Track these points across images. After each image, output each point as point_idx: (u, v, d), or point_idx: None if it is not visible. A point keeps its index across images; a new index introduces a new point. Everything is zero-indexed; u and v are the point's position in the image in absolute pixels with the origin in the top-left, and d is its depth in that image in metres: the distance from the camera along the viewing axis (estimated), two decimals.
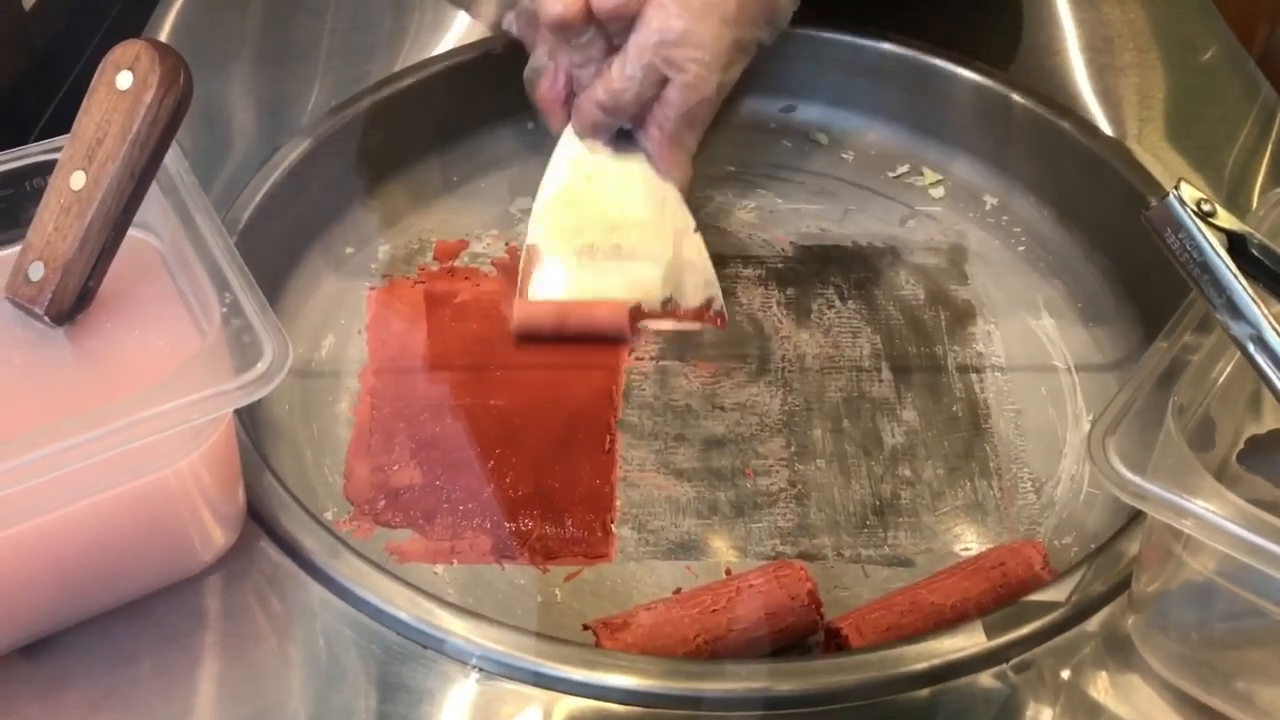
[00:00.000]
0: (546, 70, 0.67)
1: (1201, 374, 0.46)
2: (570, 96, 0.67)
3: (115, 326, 0.48)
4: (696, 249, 0.67)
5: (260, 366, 0.42)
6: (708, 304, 0.67)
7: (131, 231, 0.48)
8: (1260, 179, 0.70)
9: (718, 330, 0.67)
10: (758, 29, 0.64)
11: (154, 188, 0.48)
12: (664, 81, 0.63)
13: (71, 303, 0.47)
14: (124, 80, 0.47)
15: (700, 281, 0.67)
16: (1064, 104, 0.73)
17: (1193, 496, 0.40)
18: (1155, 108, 0.74)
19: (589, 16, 0.62)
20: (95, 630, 0.47)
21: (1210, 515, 0.39)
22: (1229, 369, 0.47)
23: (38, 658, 0.46)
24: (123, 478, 0.43)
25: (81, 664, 0.46)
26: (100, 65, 0.47)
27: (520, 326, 0.65)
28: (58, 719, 0.45)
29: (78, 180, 0.47)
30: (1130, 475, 0.41)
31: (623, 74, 0.63)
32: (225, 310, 0.44)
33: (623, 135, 0.67)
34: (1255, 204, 0.68)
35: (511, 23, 0.69)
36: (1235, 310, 0.43)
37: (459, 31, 0.78)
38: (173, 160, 0.49)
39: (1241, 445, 0.49)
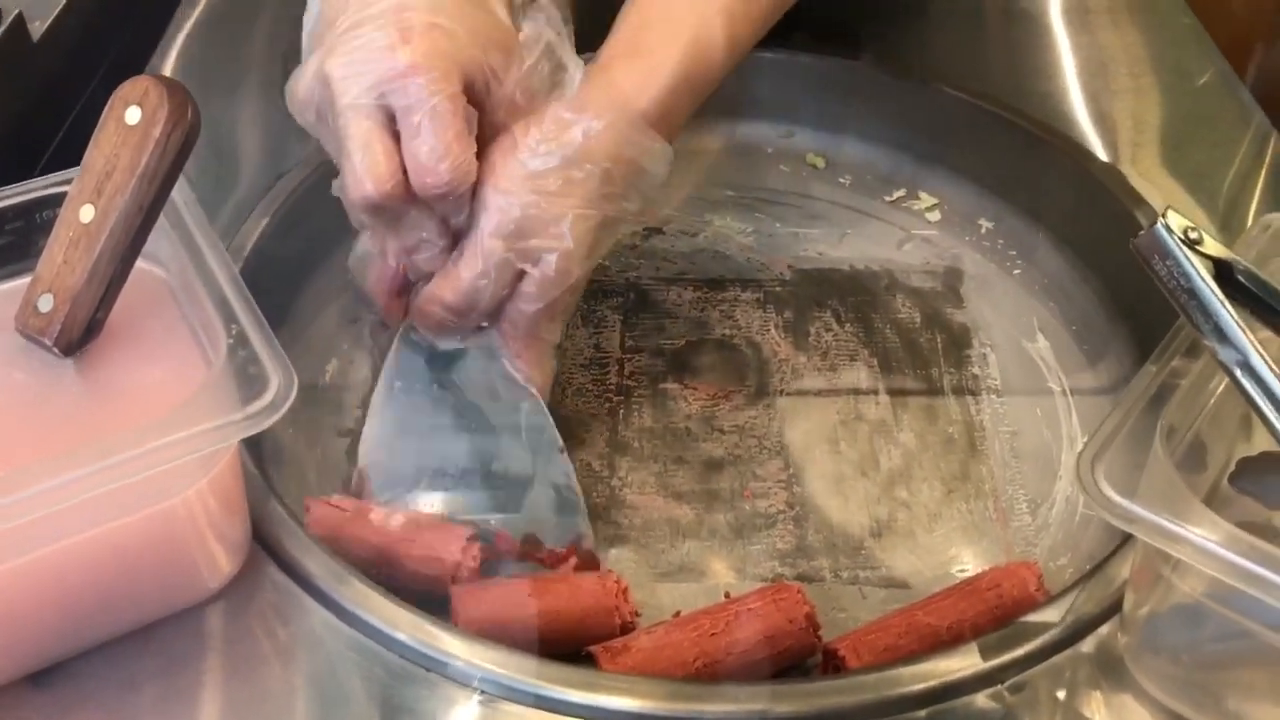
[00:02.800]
0: (373, 258, 0.56)
1: (1192, 396, 0.47)
2: (406, 286, 0.57)
3: (123, 357, 0.49)
4: (563, 473, 0.56)
5: (266, 397, 0.43)
6: (576, 543, 0.56)
7: (139, 263, 0.49)
8: (1254, 204, 0.70)
9: (716, 354, 0.68)
10: (627, 201, 0.55)
11: (161, 220, 0.49)
12: (521, 274, 0.54)
13: (80, 333, 0.48)
14: (133, 116, 0.48)
15: (567, 513, 0.56)
16: (1059, 128, 0.74)
17: (1181, 520, 0.40)
18: (1149, 132, 0.75)
19: (408, 195, 0.51)
20: (103, 657, 0.48)
21: (1198, 539, 0.40)
22: (1220, 391, 0.48)
23: (46, 685, 0.47)
24: (131, 507, 0.44)
25: (90, 690, 0.47)
26: (110, 101, 0.48)
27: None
28: None
29: (87, 213, 0.48)
30: (1118, 499, 0.41)
31: (473, 272, 0.53)
32: (231, 341, 0.44)
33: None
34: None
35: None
36: (1222, 336, 0.44)
37: None
38: (180, 192, 0.50)
39: (1233, 467, 0.50)
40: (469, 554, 0.53)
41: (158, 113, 0.47)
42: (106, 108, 0.48)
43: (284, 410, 0.43)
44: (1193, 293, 0.44)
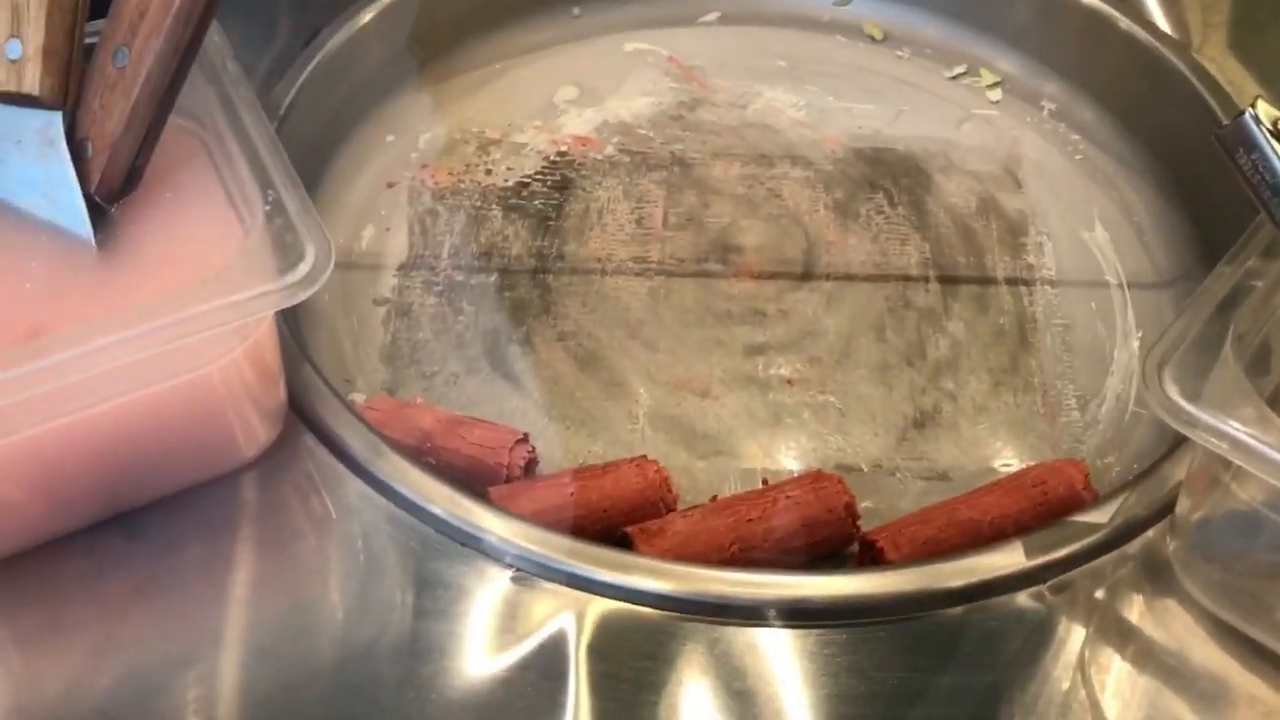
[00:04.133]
0: None
1: (1264, 300, 0.45)
2: None
3: (160, 216, 0.47)
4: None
5: (303, 269, 0.41)
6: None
7: (175, 119, 0.47)
8: None
9: (762, 234, 0.66)
10: None
11: (199, 77, 0.47)
12: None
13: (120, 181, 0.47)
14: None
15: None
16: (1129, 5, 0.70)
17: (1248, 428, 0.39)
18: (1222, 12, 0.71)
19: None
20: (141, 519, 0.47)
21: (1264, 448, 0.38)
22: None
23: (85, 544, 0.47)
24: (167, 375, 0.43)
25: (126, 551, 0.47)
26: None
27: None
28: (102, 601, 0.46)
29: (121, 57, 0.46)
30: (1184, 404, 0.40)
31: None
32: (268, 208, 0.43)
33: None
34: None
35: None
36: None
37: None
38: (216, 49, 0.48)
39: None
40: (517, 455, 0.53)
41: None
42: None
43: (322, 282, 0.41)
44: (1278, 190, 0.42)
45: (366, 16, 0.68)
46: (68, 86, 0.46)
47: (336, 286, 0.62)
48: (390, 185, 0.67)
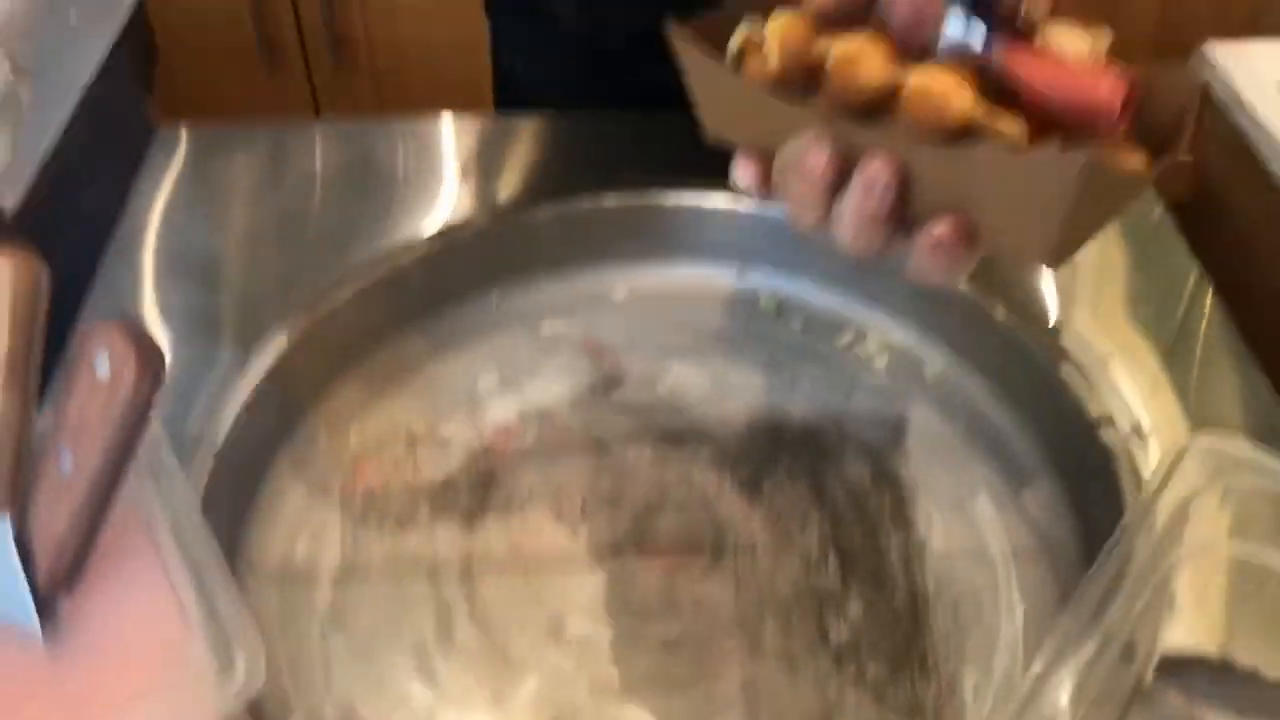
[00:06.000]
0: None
1: (1129, 602, 0.50)
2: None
3: (104, 607, 0.51)
4: None
5: (237, 679, 0.45)
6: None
7: (118, 508, 0.51)
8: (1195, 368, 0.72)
9: (674, 519, 0.70)
10: None
11: (138, 467, 0.51)
12: None
13: (66, 576, 0.50)
14: (101, 366, 0.50)
15: None
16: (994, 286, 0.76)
17: None
18: (1088, 284, 0.77)
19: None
20: None
21: None
22: (1148, 593, 0.51)
23: None
24: None
25: None
26: (77, 346, 0.51)
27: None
28: None
29: (65, 461, 0.50)
30: None
31: None
32: (201, 615, 0.47)
33: None
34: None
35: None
36: None
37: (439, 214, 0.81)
38: (153, 440, 0.52)
39: (1156, 661, 0.54)
40: None
41: (125, 368, 0.49)
42: (75, 355, 0.50)
43: (253, 693, 0.45)
44: None
45: (291, 332, 0.72)
46: (15, 490, 0.50)
47: (274, 606, 0.65)
48: (323, 491, 0.71)
